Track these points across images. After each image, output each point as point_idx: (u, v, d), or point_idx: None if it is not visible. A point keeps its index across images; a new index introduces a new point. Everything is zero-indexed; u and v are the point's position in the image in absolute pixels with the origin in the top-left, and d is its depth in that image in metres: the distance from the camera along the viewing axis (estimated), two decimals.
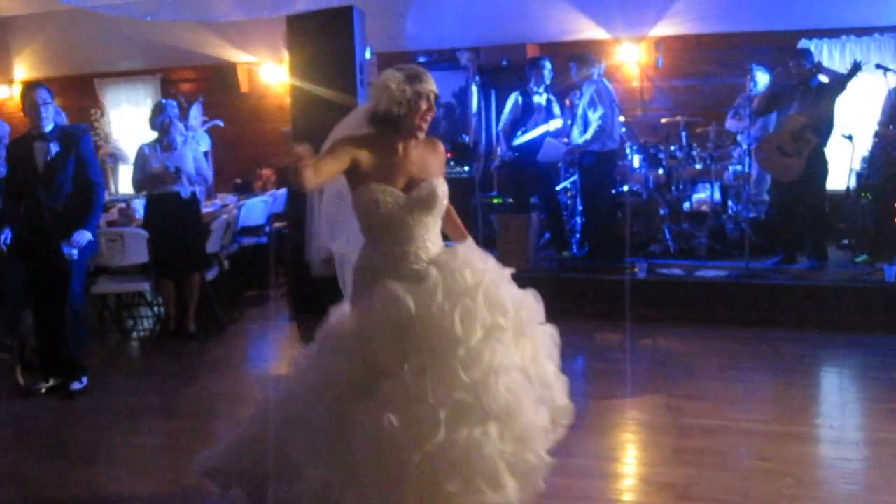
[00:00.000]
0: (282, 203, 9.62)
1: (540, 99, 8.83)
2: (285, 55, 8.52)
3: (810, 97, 7.79)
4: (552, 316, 3.69)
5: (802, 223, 8.14)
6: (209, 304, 7.67)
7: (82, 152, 5.76)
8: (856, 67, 7.65)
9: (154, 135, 7.26)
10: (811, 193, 7.97)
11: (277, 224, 9.57)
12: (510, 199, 9.58)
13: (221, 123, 10.29)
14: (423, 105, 3.52)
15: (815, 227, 8.15)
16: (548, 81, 8.86)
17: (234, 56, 11.95)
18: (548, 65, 8.84)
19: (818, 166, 7.88)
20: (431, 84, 3.56)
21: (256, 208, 9.16)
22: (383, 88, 3.48)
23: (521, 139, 8.74)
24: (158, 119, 7.20)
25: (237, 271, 8.59)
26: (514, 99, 8.88)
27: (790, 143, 7.79)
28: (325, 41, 7.92)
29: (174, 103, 7.50)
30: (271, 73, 11.82)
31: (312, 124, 8.03)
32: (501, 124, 9.04)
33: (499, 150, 9.25)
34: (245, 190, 10.57)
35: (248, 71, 12.07)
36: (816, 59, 8.22)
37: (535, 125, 8.71)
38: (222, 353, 7.03)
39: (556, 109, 8.94)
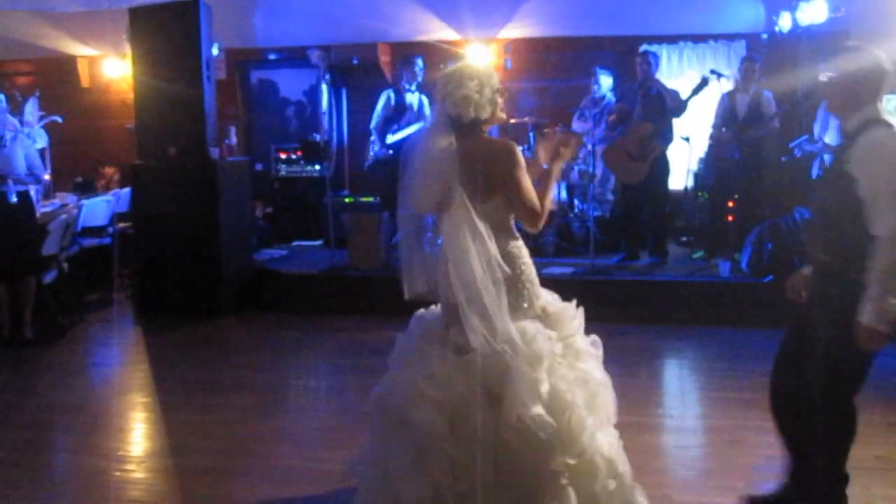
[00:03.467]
0: (126, 202, 9.27)
1: (412, 97, 8.82)
2: (128, 49, 8.23)
3: (652, 102, 8.11)
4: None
5: (645, 222, 8.46)
6: (47, 309, 7.32)
7: None
8: (703, 82, 8.00)
9: None
10: (654, 194, 8.31)
11: (121, 224, 9.22)
12: (378, 199, 9.39)
13: (60, 119, 9.83)
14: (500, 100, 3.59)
15: (656, 227, 8.48)
16: (420, 79, 8.87)
17: (73, 49, 11.45)
18: (420, 62, 8.84)
19: (661, 169, 8.22)
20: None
21: (99, 208, 8.80)
22: (465, 99, 3.47)
23: (396, 136, 8.68)
24: None
25: (78, 274, 8.22)
26: (386, 96, 8.80)
27: (637, 148, 8.09)
28: (169, 35, 7.75)
29: (2, 97, 7.11)
30: (114, 67, 11.41)
31: (157, 120, 7.87)
32: (374, 122, 8.86)
33: (374, 148, 9.02)
34: (86, 189, 10.14)
35: (89, 64, 11.62)
36: (657, 69, 8.53)
37: (409, 123, 8.70)
38: (62, 360, 6.70)
39: (427, 109, 8.94)
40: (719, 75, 8.43)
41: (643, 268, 8.21)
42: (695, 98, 8.11)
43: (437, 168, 3.46)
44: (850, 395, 3.43)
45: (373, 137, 8.96)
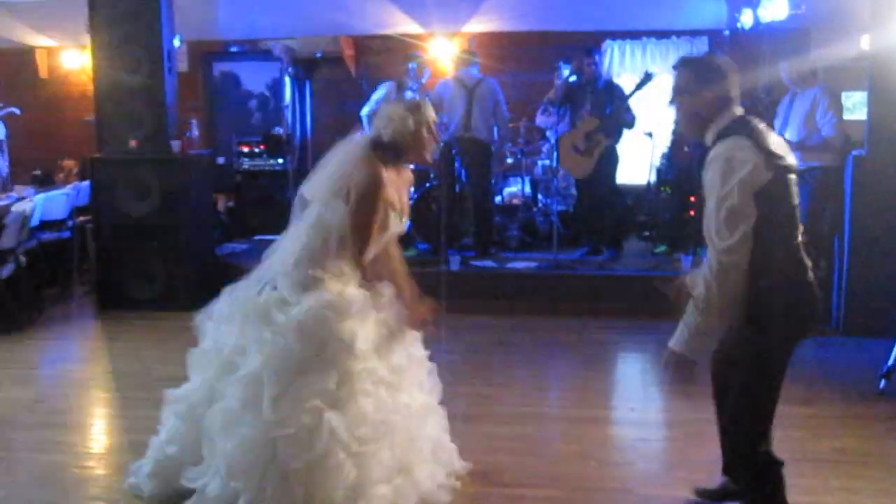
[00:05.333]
0: (86, 196, 9.14)
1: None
2: (88, 40, 8.11)
3: (600, 98, 8.13)
4: None
5: (601, 216, 8.48)
6: (4, 304, 7.21)
7: None
8: (647, 77, 8.03)
9: None
10: (603, 188, 8.32)
11: (81, 218, 9.10)
12: None
13: (18, 111, 9.68)
14: (426, 135, 3.77)
15: (609, 220, 8.48)
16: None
17: (31, 39, 11.27)
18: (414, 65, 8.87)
19: (609, 163, 8.26)
20: (432, 112, 3.80)
21: (58, 201, 8.67)
22: (388, 120, 3.69)
23: None
24: None
25: (36, 268, 8.11)
26: (387, 88, 8.73)
27: (583, 142, 8.11)
28: (130, 26, 7.64)
29: None
30: (73, 58, 11.25)
31: (117, 113, 7.76)
32: (368, 109, 8.66)
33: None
34: (45, 182, 9.96)
35: (48, 55, 11.45)
36: (608, 59, 8.56)
37: None
38: (19, 356, 6.61)
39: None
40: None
41: (605, 262, 8.25)
42: (638, 93, 8.11)
43: (340, 167, 3.71)
44: (758, 401, 3.32)
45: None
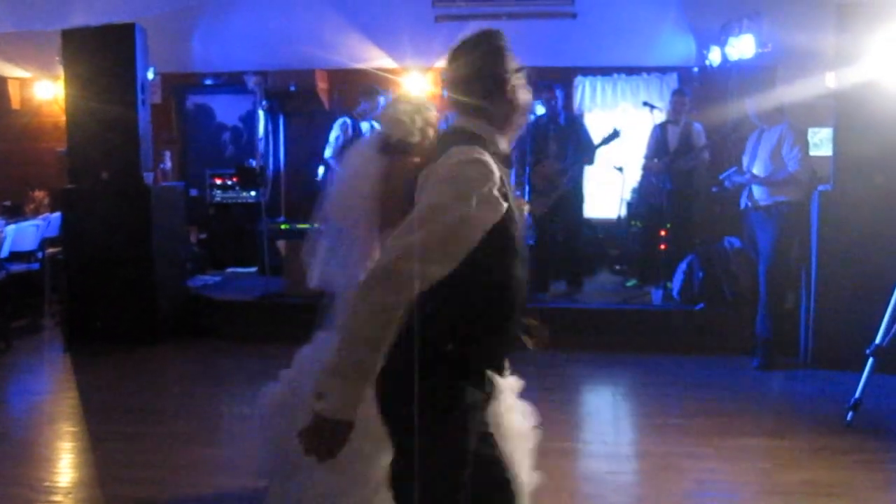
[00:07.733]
0: (56, 227, 9.10)
1: (367, 128, 8.74)
2: (61, 71, 8.11)
3: (564, 134, 8.18)
4: None
5: (566, 252, 8.48)
6: None
7: None
8: (614, 134, 8.11)
9: None
10: (568, 224, 8.40)
11: (51, 249, 9.05)
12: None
13: None
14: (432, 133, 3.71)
15: (572, 257, 8.48)
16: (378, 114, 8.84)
17: (4, 70, 11.22)
18: (383, 100, 8.81)
19: (574, 198, 8.37)
20: (435, 112, 3.76)
21: (27, 233, 8.62)
22: (396, 121, 3.65)
23: None
24: None
25: (5, 299, 8.04)
26: (342, 125, 8.64)
27: (542, 183, 8.11)
28: (104, 58, 7.65)
29: None
30: (45, 89, 11.20)
31: (90, 144, 7.74)
32: (331, 151, 8.57)
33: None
34: (15, 213, 9.91)
35: (20, 86, 11.39)
36: (579, 94, 8.62)
37: None
38: None
39: None
40: (652, 107, 8.63)
41: (569, 295, 8.27)
42: (604, 147, 8.21)
43: (356, 182, 3.68)
44: None
45: (322, 168, 8.86)
